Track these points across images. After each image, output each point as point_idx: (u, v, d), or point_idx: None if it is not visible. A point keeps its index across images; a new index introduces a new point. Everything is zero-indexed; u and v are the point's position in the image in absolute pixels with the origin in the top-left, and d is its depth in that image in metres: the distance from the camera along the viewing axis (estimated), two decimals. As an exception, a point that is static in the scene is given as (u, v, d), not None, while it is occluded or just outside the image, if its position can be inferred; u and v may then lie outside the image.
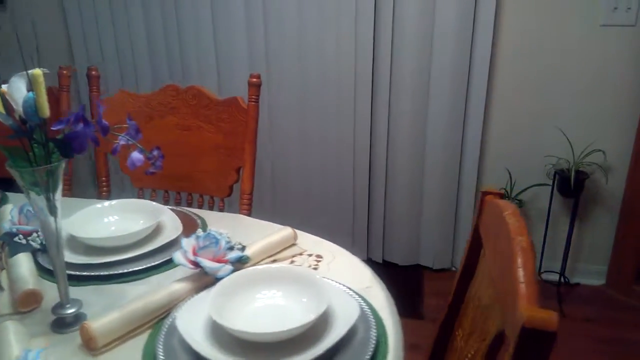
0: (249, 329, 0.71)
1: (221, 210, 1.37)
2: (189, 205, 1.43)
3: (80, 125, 0.69)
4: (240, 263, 0.91)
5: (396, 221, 2.33)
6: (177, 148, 1.41)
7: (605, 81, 2.00)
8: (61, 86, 1.52)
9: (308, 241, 1.07)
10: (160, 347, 0.74)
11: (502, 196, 0.82)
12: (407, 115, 2.13)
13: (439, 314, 2.29)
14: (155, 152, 0.82)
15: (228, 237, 0.92)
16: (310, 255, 1.01)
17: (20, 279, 0.90)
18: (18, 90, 0.71)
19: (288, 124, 2.26)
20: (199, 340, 0.73)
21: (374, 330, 0.75)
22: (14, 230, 1.03)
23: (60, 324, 0.83)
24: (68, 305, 0.83)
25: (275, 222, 1.12)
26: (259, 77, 1.33)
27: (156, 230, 1.07)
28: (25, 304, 0.86)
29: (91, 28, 2.33)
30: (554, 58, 2.01)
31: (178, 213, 1.14)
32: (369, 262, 2.44)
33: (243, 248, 0.94)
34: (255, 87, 1.33)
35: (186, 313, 0.79)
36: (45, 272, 0.95)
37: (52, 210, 0.76)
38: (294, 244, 1.05)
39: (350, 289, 0.86)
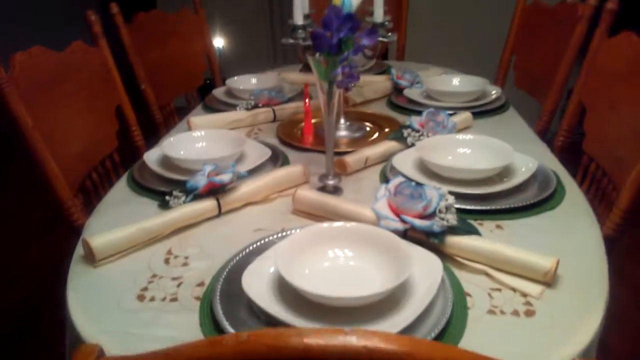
0: (322, 292, 0.65)
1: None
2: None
3: (323, 31, 0.80)
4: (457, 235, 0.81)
5: None
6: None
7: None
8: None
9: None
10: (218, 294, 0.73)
11: None
12: None
13: None
14: (346, 70, 0.83)
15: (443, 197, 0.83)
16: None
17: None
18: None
19: None
20: (267, 299, 0.69)
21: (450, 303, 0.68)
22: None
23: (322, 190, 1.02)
24: (330, 177, 1.03)
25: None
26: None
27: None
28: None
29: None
30: None
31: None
32: None
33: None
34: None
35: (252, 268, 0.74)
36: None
37: (330, 92, 0.94)
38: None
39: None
